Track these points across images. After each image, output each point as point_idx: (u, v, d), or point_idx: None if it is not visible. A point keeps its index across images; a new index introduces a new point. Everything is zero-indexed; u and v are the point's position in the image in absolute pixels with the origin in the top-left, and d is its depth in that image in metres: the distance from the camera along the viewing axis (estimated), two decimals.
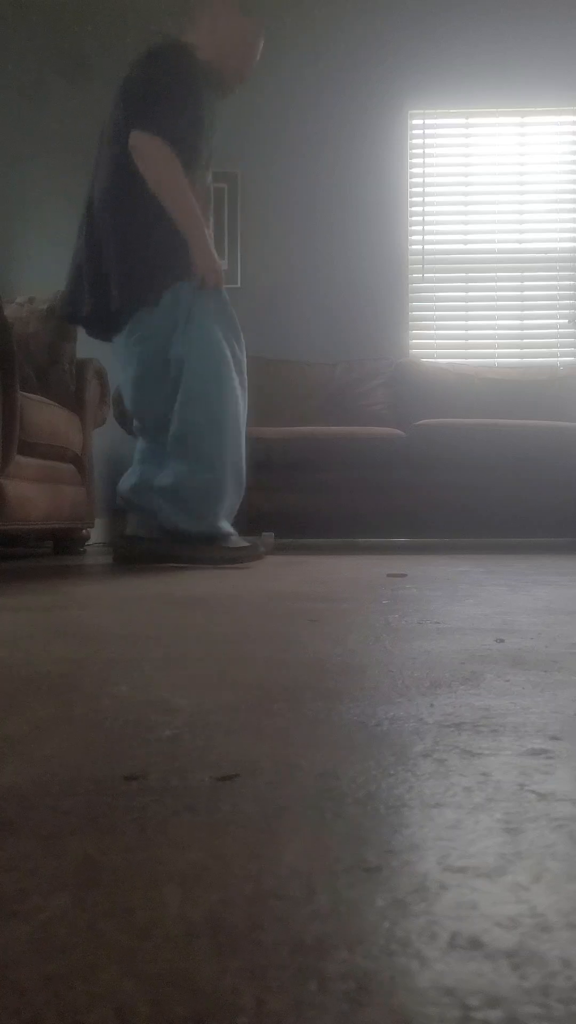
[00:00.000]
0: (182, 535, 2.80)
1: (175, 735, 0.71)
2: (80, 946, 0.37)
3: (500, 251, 4.83)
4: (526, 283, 4.83)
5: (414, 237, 4.83)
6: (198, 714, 0.78)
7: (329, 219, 4.75)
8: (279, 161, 4.73)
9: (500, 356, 4.82)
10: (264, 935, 0.38)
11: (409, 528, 3.92)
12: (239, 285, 4.63)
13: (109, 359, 3.55)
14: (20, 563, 3.12)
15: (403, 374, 4.48)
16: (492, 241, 4.84)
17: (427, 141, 4.83)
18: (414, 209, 4.83)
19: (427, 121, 4.81)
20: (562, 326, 4.82)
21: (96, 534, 4.41)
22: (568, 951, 0.36)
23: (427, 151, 4.83)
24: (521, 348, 4.83)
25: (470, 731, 0.72)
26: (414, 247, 4.83)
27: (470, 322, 4.85)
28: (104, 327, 2.83)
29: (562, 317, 4.82)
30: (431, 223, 4.85)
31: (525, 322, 4.83)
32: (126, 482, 2.96)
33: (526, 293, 4.83)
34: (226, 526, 2.81)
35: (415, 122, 4.80)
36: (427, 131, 4.82)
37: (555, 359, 4.79)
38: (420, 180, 4.84)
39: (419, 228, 4.84)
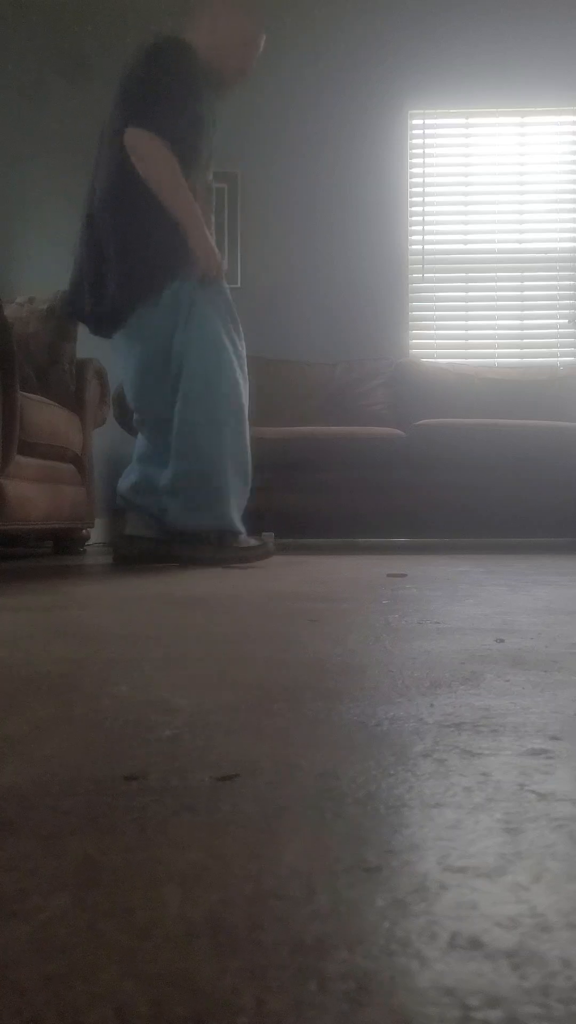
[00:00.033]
0: (191, 534, 2.80)
1: (175, 735, 0.71)
2: (80, 946, 0.37)
3: (500, 251, 4.83)
4: (526, 283, 4.83)
5: (414, 237, 4.83)
6: (198, 714, 0.78)
7: (329, 219, 4.75)
8: (279, 161, 4.73)
9: (500, 356, 4.82)
10: (264, 935, 0.38)
11: (409, 528, 3.91)
12: (239, 285, 4.63)
13: (109, 359, 3.54)
14: (20, 563, 3.12)
15: (403, 374, 4.48)
16: (492, 241, 4.84)
17: (427, 141, 4.83)
18: (414, 209, 4.83)
19: (427, 121, 4.81)
20: (562, 326, 4.82)
21: (96, 534, 4.41)
22: (568, 951, 0.36)
23: (427, 151, 4.83)
24: (521, 348, 4.83)
25: (470, 731, 0.72)
26: (414, 247, 4.83)
27: (470, 322, 4.85)
28: (106, 325, 2.84)
29: (562, 317, 4.82)
30: (431, 223, 4.85)
31: (525, 322, 4.83)
32: (125, 481, 2.96)
33: (526, 293, 4.83)
34: (236, 522, 2.80)
35: (415, 122, 4.80)
36: (427, 131, 4.82)
37: (555, 359, 4.79)
38: (420, 180, 4.84)
39: (419, 228, 4.84)
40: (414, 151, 4.82)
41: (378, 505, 3.83)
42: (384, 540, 4.44)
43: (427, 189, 4.84)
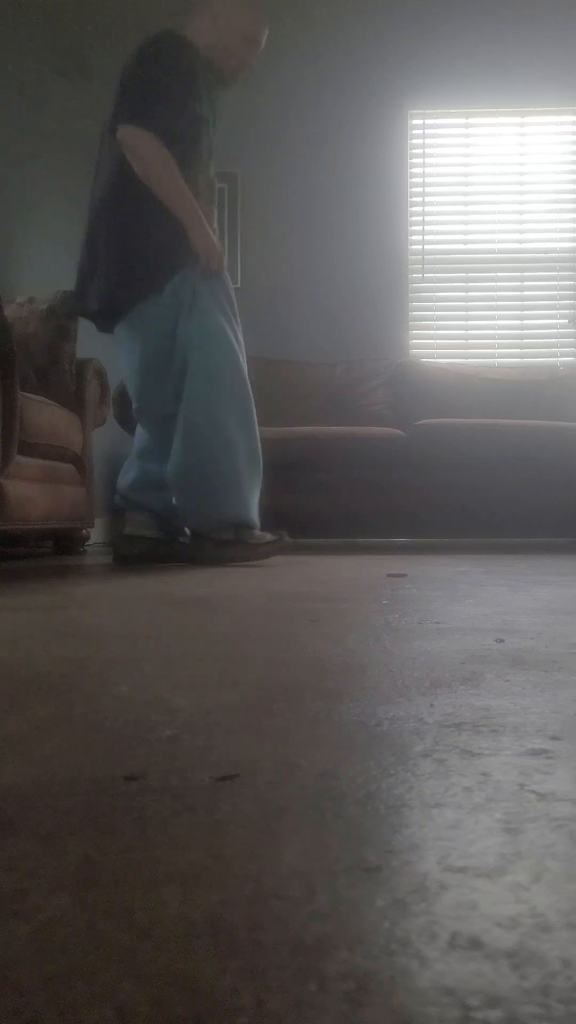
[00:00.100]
0: (205, 530, 2.79)
1: (175, 735, 0.71)
2: (80, 946, 0.37)
3: (500, 251, 4.83)
4: (526, 283, 4.83)
5: (414, 237, 4.83)
6: (198, 714, 0.78)
7: (329, 219, 4.75)
8: (279, 161, 4.73)
9: (500, 356, 4.82)
10: (264, 935, 0.38)
11: (409, 528, 3.91)
12: (239, 285, 4.63)
13: (109, 359, 3.54)
14: (20, 563, 3.12)
15: (403, 374, 4.48)
16: (492, 241, 4.84)
17: (427, 141, 4.83)
18: (414, 209, 4.83)
19: (427, 121, 4.81)
20: (562, 326, 4.82)
21: (96, 534, 4.41)
22: (568, 951, 0.36)
23: (427, 151, 4.83)
24: (521, 348, 4.83)
25: (470, 731, 0.72)
26: (414, 247, 4.83)
27: (470, 322, 4.85)
28: (111, 320, 2.84)
29: (562, 317, 4.82)
30: (431, 223, 4.85)
31: (525, 322, 4.83)
32: (124, 478, 2.96)
33: (526, 293, 4.83)
34: (252, 515, 2.79)
35: (415, 122, 4.80)
36: (427, 131, 4.82)
37: (555, 359, 4.79)
38: (420, 180, 4.84)
39: (419, 228, 4.84)
40: (414, 151, 4.82)
41: (378, 505, 3.83)
42: (384, 540, 4.44)
43: (427, 189, 4.84)
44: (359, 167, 4.75)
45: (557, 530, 3.86)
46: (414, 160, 4.83)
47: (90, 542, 4.26)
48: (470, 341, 4.85)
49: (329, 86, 4.73)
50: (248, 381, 2.80)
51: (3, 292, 3.73)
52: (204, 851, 0.47)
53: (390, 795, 0.56)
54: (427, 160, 4.83)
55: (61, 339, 3.66)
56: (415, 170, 4.83)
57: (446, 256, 4.84)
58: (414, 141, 4.82)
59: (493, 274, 4.83)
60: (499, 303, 4.82)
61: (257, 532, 2.82)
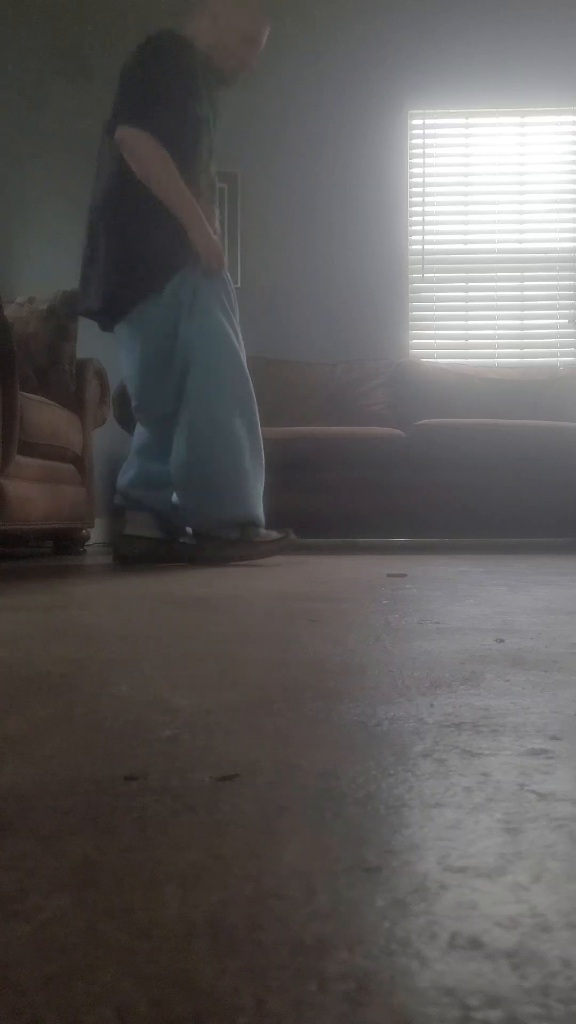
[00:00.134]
0: (209, 530, 2.79)
1: (175, 735, 0.71)
2: (80, 946, 0.37)
3: (500, 251, 4.83)
4: (526, 283, 4.83)
5: (414, 237, 4.83)
6: (198, 714, 0.78)
7: (329, 219, 4.75)
8: (279, 161, 4.73)
9: (500, 356, 4.82)
10: (264, 935, 0.38)
11: (409, 528, 3.91)
12: (239, 285, 4.63)
13: (109, 359, 3.54)
14: (20, 563, 3.12)
15: (403, 374, 4.48)
16: (492, 241, 4.84)
17: (427, 141, 4.82)
18: (414, 209, 4.83)
19: (427, 121, 4.81)
20: (562, 326, 4.82)
21: (96, 534, 4.41)
22: (568, 951, 0.36)
23: (427, 151, 4.83)
24: (521, 348, 4.83)
25: (470, 731, 0.72)
26: (414, 247, 4.83)
27: (470, 322, 4.85)
28: (113, 320, 2.84)
29: (562, 317, 4.82)
30: (431, 223, 4.85)
31: (525, 322, 4.83)
32: (124, 476, 2.96)
33: (526, 293, 4.83)
34: (258, 512, 2.79)
35: (415, 122, 4.80)
36: (427, 131, 4.82)
37: (555, 359, 4.79)
38: (420, 180, 4.84)
39: (419, 228, 4.84)
40: (414, 151, 4.82)
41: (378, 505, 3.83)
42: (384, 540, 4.44)
43: (427, 189, 4.84)
44: (359, 167, 4.75)
45: (557, 530, 3.86)
46: (414, 160, 4.83)
47: (90, 542, 4.26)
48: (470, 341, 4.85)
49: (329, 86, 4.73)
50: (250, 379, 2.80)
51: (3, 292, 3.73)
52: (204, 851, 0.47)
53: (390, 795, 0.56)
54: (427, 160, 4.83)
55: (61, 339, 3.66)
56: (415, 170, 4.83)
57: (446, 256, 4.84)
58: (414, 141, 4.82)
59: (493, 274, 4.83)
60: (499, 303, 4.82)
61: (263, 530, 2.82)
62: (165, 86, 2.67)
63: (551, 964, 0.35)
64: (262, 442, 2.82)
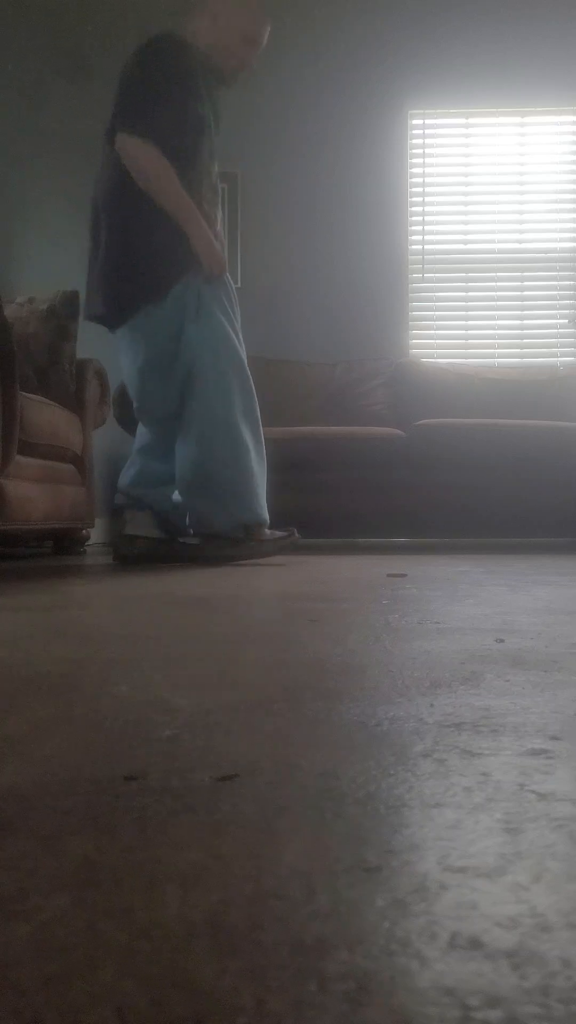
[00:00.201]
0: (214, 532, 2.80)
1: (175, 735, 0.71)
2: (80, 946, 0.37)
3: (500, 251, 4.83)
4: (526, 283, 4.83)
5: (414, 237, 4.83)
6: (198, 714, 0.78)
7: (329, 219, 4.75)
8: (279, 161, 4.73)
9: (500, 356, 4.82)
10: (264, 935, 0.38)
11: (409, 528, 3.91)
12: (239, 285, 4.63)
13: (109, 359, 3.54)
14: (20, 563, 3.12)
15: (403, 374, 4.48)
16: (492, 241, 4.84)
17: (427, 141, 4.82)
18: (414, 209, 4.83)
19: (427, 121, 4.81)
20: (562, 326, 4.82)
21: (96, 534, 4.41)
22: (568, 951, 0.36)
23: (427, 151, 4.83)
24: (521, 348, 4.83)
25: (470, 731, 0.72)
26: (414, 247, 4.83)
27: (470, 322, 4.85)
28: (119, 323, 2.84)
29: (562, 317, 4.82)
30: (431, 223, 4.85)
31: (525, 322, 4.83)
32: (125, 476, 2.96)
33: (526, 293, 4.83)
34: (262, 512, 2.80)
35: (415, 122, 4.80)
36: (427, 131, 4.82)
37: (555, 359, 4.79)
38: (420, 180, 4.84)
39: (419, 228, 4.84)
40: (414, 151, 4.82)
41: (378, 505, 3.83)
42: (384, 540, 4.44)
43: (427, 189, 4.84)
44: (359, 167, 4.75)
45: (557, 530, 3.86)
46: (414, 160, 4.82)
47: (90, 542, 4.26)
48: (470, 341, 4.85)
49: (329, 86, 4.73)
50: (251, 380, 2.81)
51: (3, 292, 3.73)
52: (204, 851, 0.47)
53: (390, 795, 0.56)
54: (427, 160, 4.83)
55: (61, 339, 3.66)
56: (415, 170, 4.83)
57: (446, 256, 4.84)
58: (414, 141, 4.81)
59: (493, 274, 4.83)
60: (499, 303, 4.82)
61: (267, 530, 2.82)
62: (165, 88, 2.66)
63: (551, 964, 0.35)
64: (262, 441, 2.83)
